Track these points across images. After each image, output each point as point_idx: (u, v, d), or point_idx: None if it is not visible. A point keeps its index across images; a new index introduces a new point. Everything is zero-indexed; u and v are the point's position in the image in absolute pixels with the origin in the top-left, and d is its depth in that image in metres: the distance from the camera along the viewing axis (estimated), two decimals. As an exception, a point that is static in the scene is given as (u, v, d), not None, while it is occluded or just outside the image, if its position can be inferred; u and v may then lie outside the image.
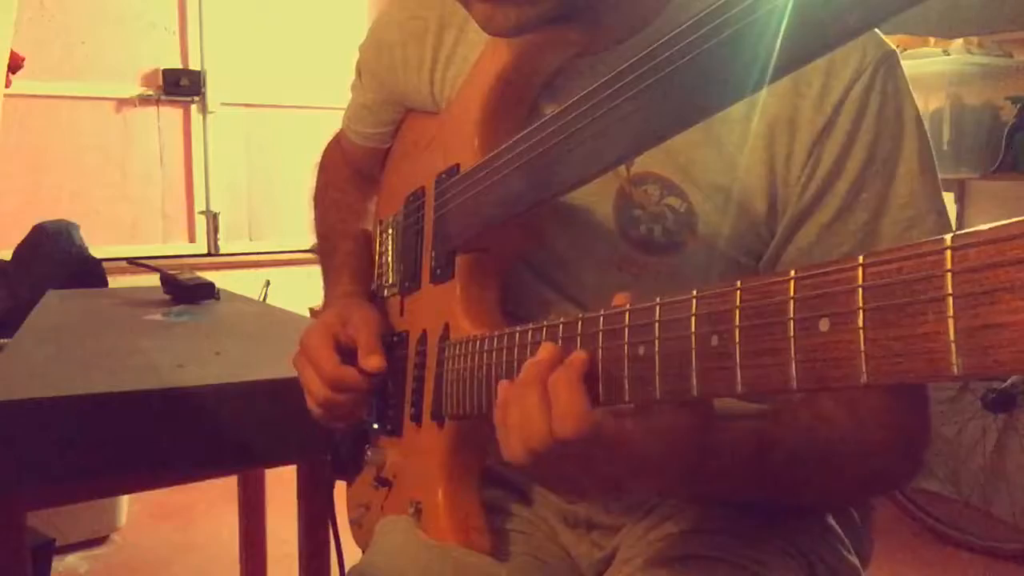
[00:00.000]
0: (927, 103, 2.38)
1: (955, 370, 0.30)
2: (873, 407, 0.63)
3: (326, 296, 0.90)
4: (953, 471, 2.49)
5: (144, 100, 3.43)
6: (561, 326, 0.54)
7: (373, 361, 0.75)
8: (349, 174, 1.00)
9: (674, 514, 0.71)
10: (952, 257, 0.30)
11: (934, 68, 2.37)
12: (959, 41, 2.39)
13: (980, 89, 2.46)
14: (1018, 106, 2.40)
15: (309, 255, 3.30)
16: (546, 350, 0.53)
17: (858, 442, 0.63)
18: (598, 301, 0.71)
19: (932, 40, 2.42)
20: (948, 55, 2.39)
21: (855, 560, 0.71)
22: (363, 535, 0.86)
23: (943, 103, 2.47)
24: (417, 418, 0.76)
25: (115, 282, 2.53)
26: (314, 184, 1.03)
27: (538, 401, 0.51)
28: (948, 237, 0.30)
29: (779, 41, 0.42)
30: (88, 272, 2.40)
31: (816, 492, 0.66)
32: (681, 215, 0.67)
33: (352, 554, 0.88)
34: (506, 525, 0.74)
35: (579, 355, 0.50)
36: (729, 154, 0.65)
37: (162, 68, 3.44)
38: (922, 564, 2.22)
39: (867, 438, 0.63)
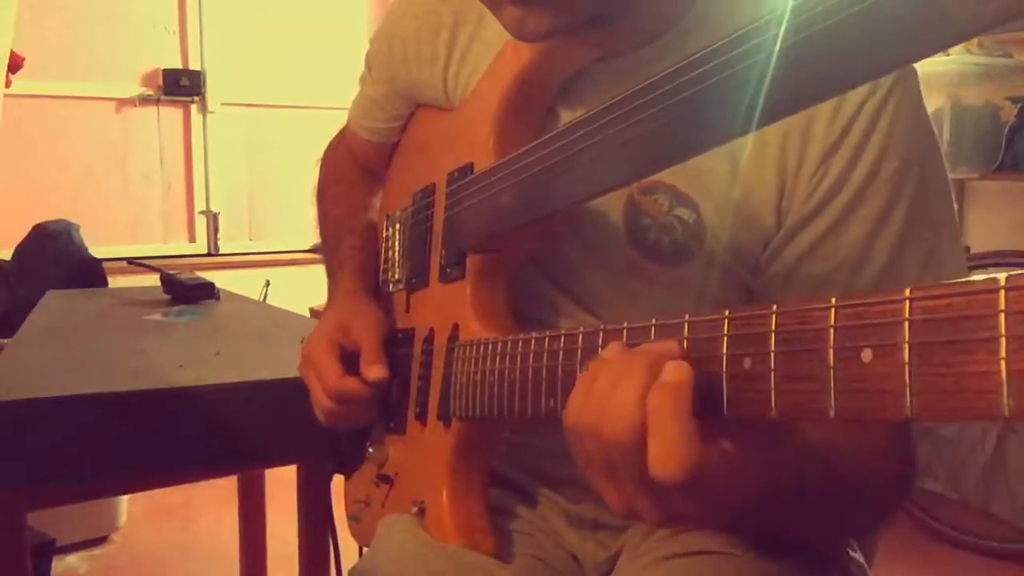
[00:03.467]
0: (927, 103, 2.38)
1: (1005, 411, 0.30)
2: (880, 440, 0.62)
3: (329, 292, 0.90)
4: (953, 471, 2.49)
5: (144, 100, 3.43)
6: (581, 336, 0.53)
7: (375, 371, 0.76)
8: (353, 170, 1.00)
9: None
10: (1006, 297, 0.30)
11: (934, 68, 2.37)
12: (959, 41, 2.39)
13: (980, 89, 2.47)
14: (1018, 106, 2.40)
15: (309, 255, 3.31)
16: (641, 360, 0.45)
17: (872, 476, 0.61)
18: (607, 307, 0.71)
19: (932, 40, 2.42)
20: (948, 55, 2.39)
21: (860, 558, 0.71)
22: (362, 531, 0.86)
23: (943, 103, 2.47)
24: (422, 417, 0.76)
25: (115, 282, 2.53)
26: (316, 180, 1.03)
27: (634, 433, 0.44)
28: (1002, 277, 0.30)
29: (797, 76, 0.42)
30: (88, 272, 2.40)
31: (830, 526, 0.64)
32: (690, 226, 0.66)
33: (350, 553, 0.88)
34: (509, 526, 0.74)
35: (682, 371, 0.43)
36: (741, 166, 0.64)
37: (162, 68, 3.44)
38: (922, 564, 2.22)
39: (879, 473, 0.62)
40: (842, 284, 0.63)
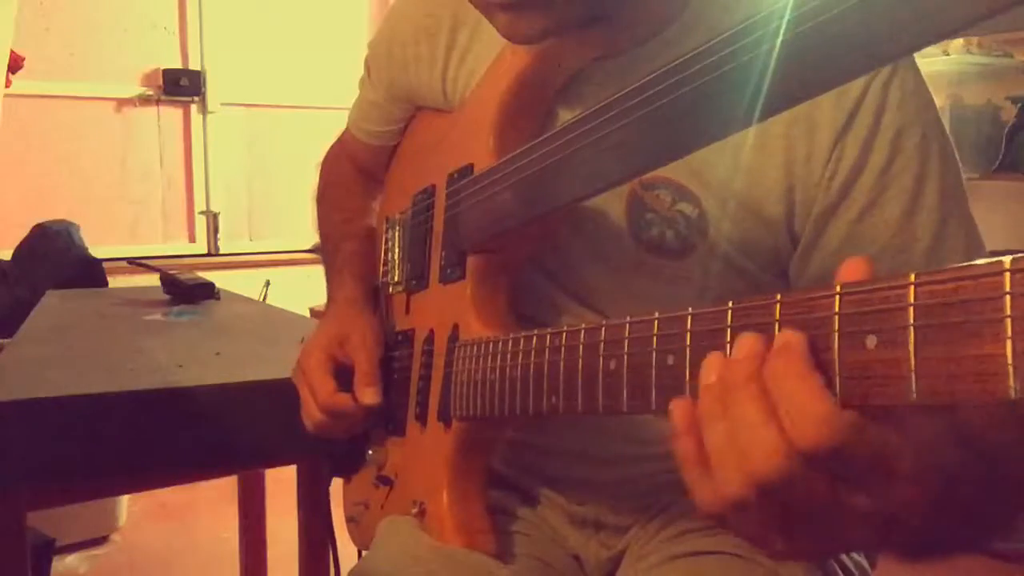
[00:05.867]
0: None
1: (1012, 393, 0.30)
2: None
3: (328, 298, 0.90)
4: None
5: (144, 100, 3.43)
6: (583, 332, 0.52)
7: (369, 395, 0.77)
8: (353, 173, 1.00)
9: (684, 514, 0.71)
10: (1011, 279, 0.30)
11: (934, 68, 2.37)
12: (959, 41, 2.39)
13: (980, 89, 2.47)
14: (1018, 106, 2.40)
15: (309, 255, 3.31)
16: (749, 343, 0.40)
17: None
18: (611, 303, 0.71)
19: (932, 40, 2.42)
20: (948, 55, 2.39)
21: (863, 560, 0.72)
22: (361, 533, 0.86)
23: (943, 103, 2.47)
24: (422, 418, 0.76)
25: (115, 282, 2.53)
26: (317, 183, 1.03)
27: (757, 406, 0.38)
28: (1007, 259, 0.30)
29: (794, 70, 0.42)
30: (88, 272, 2.40)
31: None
32: (693, 220, 0.66)
33: (349, 555, 0.88)
34: (510, 527, 0.74)
35: (793, 336, 0.38)
36: (744, 159, 0.64)
37: (162, 68, 3.44)
38: (922, 564, 2.22)
39: None
40: (889, 269, 0.61)
